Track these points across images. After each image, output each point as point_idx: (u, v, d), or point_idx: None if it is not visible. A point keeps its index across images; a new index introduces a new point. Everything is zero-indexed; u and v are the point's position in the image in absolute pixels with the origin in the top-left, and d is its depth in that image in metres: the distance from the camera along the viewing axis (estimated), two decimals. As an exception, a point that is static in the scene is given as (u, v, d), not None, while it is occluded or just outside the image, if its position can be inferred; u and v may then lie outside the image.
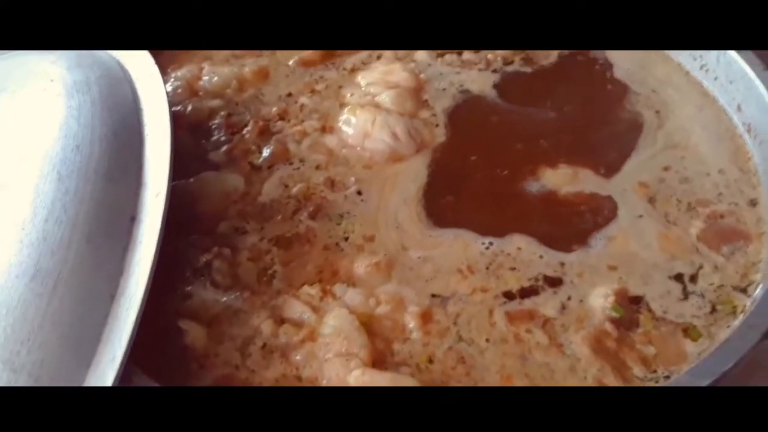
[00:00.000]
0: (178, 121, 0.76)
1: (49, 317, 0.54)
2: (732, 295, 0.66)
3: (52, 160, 0.62)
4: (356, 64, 0.90)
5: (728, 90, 0.82)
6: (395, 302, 0.66)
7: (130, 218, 0.62)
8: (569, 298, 0.66)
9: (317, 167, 0.78)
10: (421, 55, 0.90)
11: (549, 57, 0.91)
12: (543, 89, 0.87)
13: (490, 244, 0.70)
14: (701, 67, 0.86)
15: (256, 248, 0.70)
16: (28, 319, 0.54)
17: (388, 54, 0.91)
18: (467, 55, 0.90)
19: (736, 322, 0.63)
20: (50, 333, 0.54)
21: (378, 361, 0.61)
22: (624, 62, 0.89)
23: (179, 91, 0.86)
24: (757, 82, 0.77)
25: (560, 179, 0.75)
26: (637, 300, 0.66)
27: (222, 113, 0.83)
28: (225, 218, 0.73)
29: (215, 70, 0.88)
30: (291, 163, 0.78)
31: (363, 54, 0.91)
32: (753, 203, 0.73)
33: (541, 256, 0.69)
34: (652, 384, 0.60)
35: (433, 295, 0.67)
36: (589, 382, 0.60)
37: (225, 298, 0.66)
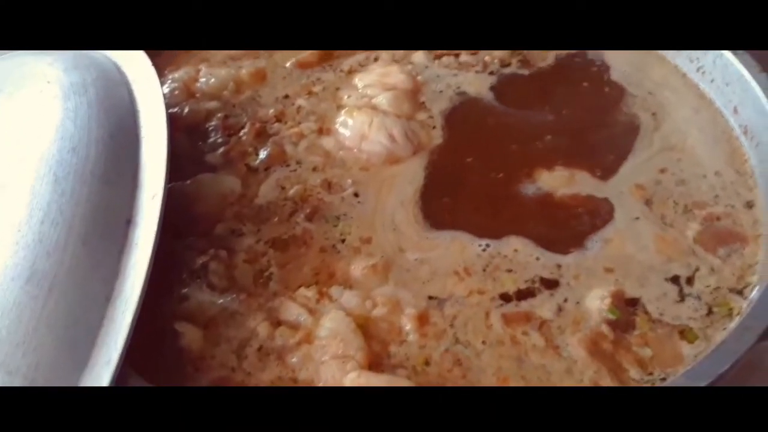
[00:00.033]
0: (174, 123, 0.76)
1: (44, 320, 0.54)
2: (728, 297, 0.66)
3: (49, 162, 0.62)
4: (353, 66, 0.90)
5: (725, 92, 0.83)
6: (392, 304, 0.66)
7: (126, 220, 0.62)
8: (566, 300, 0.66)
9: (314, 169, 0.78)
10: (418, 57, 0.90)
11: (546, 59, 0.91)
12: (540, 91, 0.87)
13: (487, 246, 0.70)
14: (698, 70, 0.86)
15: (252, 250, 0.70)
16: (24, 321, 0.54)
17: (385, 56, 0.91)
18: (464, 57, 0.90)
19: (733, 324, 0.63)
20: (45, 335, 0.54)
21: (374, 364, 0.61)
22: (621, 64, 0.89)
23: (176, 92, 0.85)
24: (754, 84, 0.77)
25: (557, 181, 0.75)
26: (633, 302, 0.66)
27: (219, 115, 0.83)
28: (221, 220, 0.73)
29: (212, 71, 0.88)
30: (288, 165, 0.78)
31: (360, 56, 0.91)
32: (749, 205, 0.73)
33: (537, 258, 0.69)
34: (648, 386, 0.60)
35: (430, 297, 0.67)
36: (586, 384, 0.60)
37: (221, 300, 0.66)
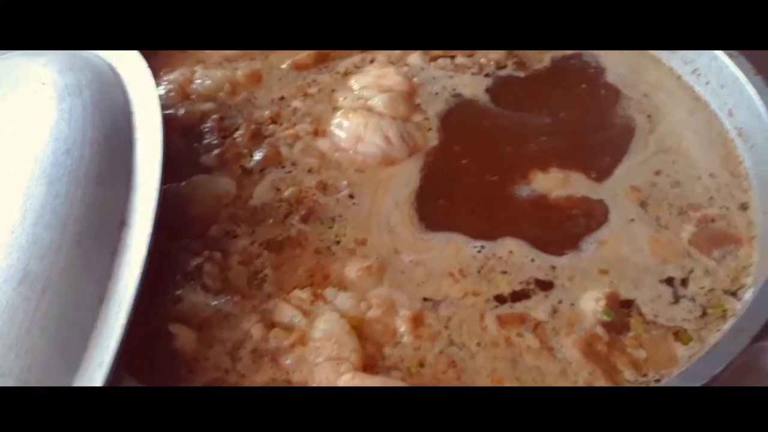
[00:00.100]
0: (170, 124, 0.75)
1: (37, 321, 0.54)
2: (722, 299, 0.66)
3: (43, 164, 0.62)
4: (349, 68, 0.90)
5: (720, 94, 0.83)
6: (386, 306, 0.66)
7: (120, 222, 0.61)
8: (560, 302, 0.66)
9: (309, 171, 0.78)
10: (414, 59, 0.91)
11: (542, 61, 0.91)
12: (535, 93, 0.87)
13: (482, 247, 0.70)
14: (693, 72, 0.86)
15: (247, 252, 0.70)
16: (16, 323, 0.54)
17: (381, 58, 0.91)
18: (460, 59, 0.90)
19: (727, 326, 0.63)
20: (38, 337, 0.54)
21: (369, 366, 0.61)
22: (616, 67, 0.89)
23: (171, 94, 0.85)
24: (749, 86, 0.78)
25: (552, 183, 0.76)
26: (628, 304, 0.66)
27: (214, 116, 0.83)
28: (216, 222, 0.72)
29: (208, 73, 0.88)
30: (283, 167, 0.78)
31: (356, 58, 0.91)
32: (744, 207, 0.73)
33: (532, 260, 0.69)
34: (642, 388, 0.60)
35: (425, 299, 0.67)
36: (580, 386, 0.60)
37: (215, 302, 0.66)
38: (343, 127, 0.80)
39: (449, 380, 0.61)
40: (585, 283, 0.67)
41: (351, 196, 0.75)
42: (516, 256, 0.69)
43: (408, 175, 0.77)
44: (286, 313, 0.65)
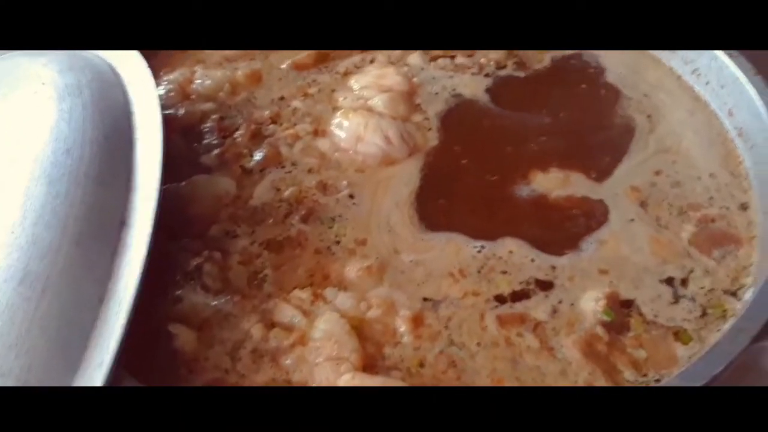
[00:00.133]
0: (169, 124, 0.75)
1: (37, 321, 0.54)
2: (722, 299, 0.66)
3: (43, 164, 0.62)
4: (349, 68, 0.90)
5: (720, 94, 0.83)
6: (386, 306, 0.66)
7: (120, 222, 0.61)
8: (560, 302, 0.66)
9: (309, 171, 0.78)
10: (413, 59, 0.90)
11: (542, 61, 0.91)
12: (535, 93, 0.87)
13: (482, 247, 0.70)
14: (693, 72, 0.86)
15: (247, 252, 0.70)
16: (16, 323, 0.54)
17: (381, 58, 0.91)
18: (460, 59, 0.90)
19: (727, 326, 0.63)
20: (38, 337, 0.54)
21: (369, 366, 0.61)
22: (616, 67, 0.89)
23: (171, 94, 0.85)
24: (749, 86, 0.78)
25: (552, 183, 0.76)
26: (628, 304, 0.66)
27: (214, 116, 0.83)
28: (216, 222, 0.72)
29: (208, 73, 0.88)
30: (283, 167, 0.78)
31: (356, 58, 0.91)
32: (744, 207, 0.73)
33: (532, 260, 0.69)
34: (642, 388, 0.60)
35: (425, 299, 0.67)
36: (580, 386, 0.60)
37: (215, 302, 0.66)
38: (343, 127, 0.80)
39: (449, 380, 0.61)
40: (585, 283, 0.67)
41: (351, 196, 0.75)
42: (516, 256, 0.69)
43: (408, 175, 0.77)
44: (286, 313, 0.65)
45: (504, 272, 0.68)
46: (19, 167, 0.62)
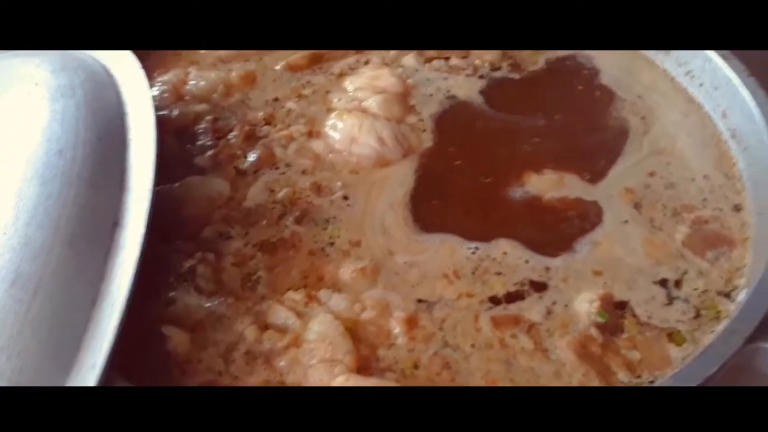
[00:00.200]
0: (163, 125, 0.75)
1: (28, 323, 0.54)
2: (716, 300, 0.66)
3: (35, 165, 0.62)
4: (343, 69, 0.90)
5: (713, 96, 0.83)
6: (381, 308, 0.65)
7: (112, 223, 0.61)
8: (554, 303, 0.66)
9: (303, 172, 0.78)
10: (408, 60, 0.90)
11: (536, 63, 0.91)
12: (529, 95, 0.87)
13: (476, 248, 0.70)
14: (687, 74, 0.86)
15: (240, 253, 0.70)
16: (8, 325, 0.53)
17: (375, 59, 0.91)
18: (454, 60, 0.90)
19: (720, 327, 0.63)
20: (30, 339, 0.54)
21: (363, 367, 0.61)
22: (610, 68, 0.89)
23: (165, 95, 0.85)
24: (742, 88, 0.78)
25: (546, 184, 0.76)
26: (622, 305, 0.66)
27: (208, 118, 0.83)
28: (209, 223, 0.72)
29: (202, 74, 0.88)
30: (277, 168, 0.78)
31: (350, 59, 0.91)
32: (737, 209, 0.74)
33: (527, 261, 0.69)
34: (636, 389, 0.60)
35: (419, 301, 0.66)
36: (574, 388, 0.60)
37: (209, 304, 0.65)
38: (338, 129, 0.80)
39: (443, 382, 0.61)
40: (579, 285, 0.67)
41: (345, 198, 0.75)
42: (510, 258, 0.69)
43: (402, 177, 0.77)
44: (280, 314, 0.65)
45: (498, 273, 0.68)
46: (11, 168, 0.62)
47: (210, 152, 0.79)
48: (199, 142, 0.81)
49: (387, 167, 0.78)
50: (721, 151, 0.79)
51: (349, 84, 0.86)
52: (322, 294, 0.66)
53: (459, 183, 0.77)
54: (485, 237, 0.71)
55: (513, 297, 0.66)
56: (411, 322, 0.64)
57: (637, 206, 0.74)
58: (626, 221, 0.72)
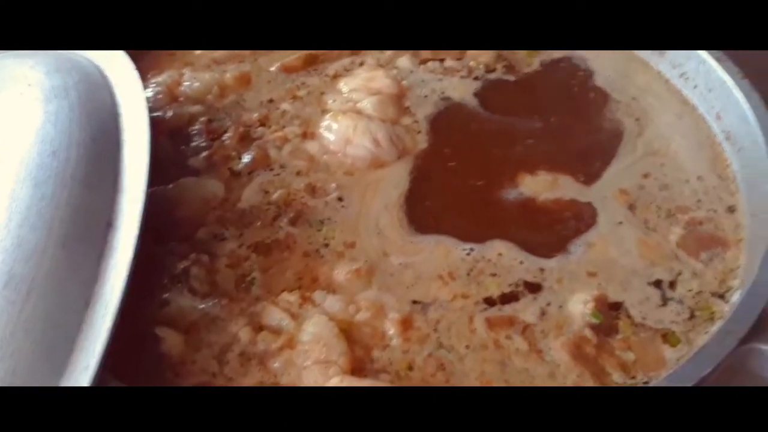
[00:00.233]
0: (157, 126, 0.75)
1: (21, 324, 0.54)
2: (710, 301, 0.66)
3: (28, 166, 0.61)
4: (338, 71, 0.90)
5: (707, 98, 0.83)
6: (375, 309, 0.65)
7: (106, 224, 0.61)
8: (549, 304, 0.66)
9: (298, 173, 0.78)
10: (403, 61, 0.90)
11: (531, 65, 0.91)
12: (524, 97, 0.87)
13: (471, 250, 0.70)
14: (681, 75, 0.87)
15: (234, 255, 0.70)
16: (0, 326, 0.53)
17: (370, 61, 0.91)
18: (449, 62, 0.90)
19: (714, 328, 0.63)
20: (23, 341, 0.53)
21: (357, 369, 0.61)
22: (605, 70, 0.90)
23: (159, 96, 0.85)
24: (736, 90, 0.78)
25: (540, 186, 0.76)
26: (616, 306, 0.66)
27: (202, 119, 0.83)
28: (204, 224, 0.72)
29: (196, 75, 0.88)
30: (271, 169, 0.78)
31: (345, 60, 0.91)
32: (731, 210, 0.74)
33: (521, 262, 0.69)
34: (631, 390, 0.60)
35: (414, 302, 0.66)
36: (569, 389, 0.60)
37: (203, 305, 0.65)
38: (332, 130, 0.80)
39: (438, 383, 0.61)
40: (573, 286, 0.67)
41: (340, 199, 0.75)
42: (505, 259, 0.69)
43: (397, 178, 0.77)
44: (275, 316, 0.65)
45: (493, 275, 0.68)
46: (4, 169, 0.62)
47: (204, 153, 0.79)
48: (194, 144, 0.80)
49: (382, 168, 0.78)
50: (715, 153, 0.80)
51: (344, 85, 0.86)
52: (317, 295, 0.66)
53: (454, 184, 0.77)
54: (480, 238, 0.71)
55: (507, 298, 0.67)
56: (406, 324, 0.64)
57: (631, 207, 0.74)
58: (620, 222, 0.73)
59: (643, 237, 0.71)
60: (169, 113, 0.83)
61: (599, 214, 0.73)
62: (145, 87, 0.82)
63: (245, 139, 0.81)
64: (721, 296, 0.67)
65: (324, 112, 0.83)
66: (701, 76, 0.84)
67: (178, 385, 0.60)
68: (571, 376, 0.61)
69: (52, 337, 0.55)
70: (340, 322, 0.64)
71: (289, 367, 0.61)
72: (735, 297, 0.65)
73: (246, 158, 0.79)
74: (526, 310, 0.65)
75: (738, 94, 0.78)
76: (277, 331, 0.64)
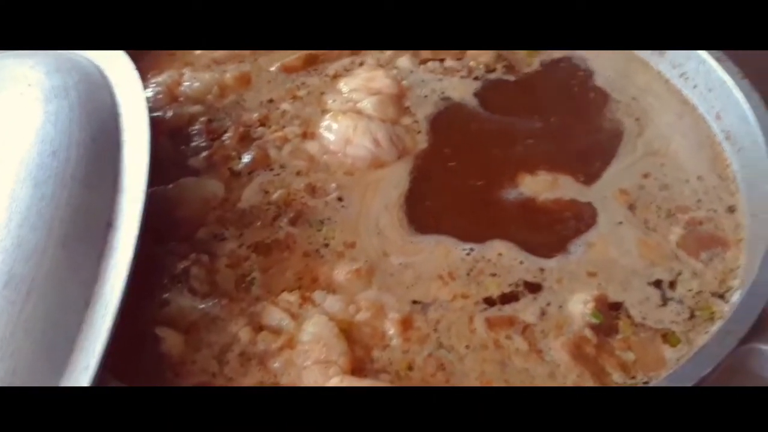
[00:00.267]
0: (157, 126, 0.75)
1: (21, 325, 0.54)
2: (710, 301, 0.66)
3: (28, 166, 0.61)
4: (338, 71, 0.90)
5: (707, 98, 0.83)
6: (375, 309, 0.65)
7: (106, 224, 0.61)
8: (549, 304, 0.66)
9: (298, 173, 0.78)
10: (403, 62, 0.90)
11: (531, 65, 0.91)
12: (524, 97, 0.87)
13: (471, 250, 0.70)
14: (681, 75, 0.87)
15: (234, 255, 0.70)
16: (0, 326, 0.53)
17: (370, 60, 0.91)
18: (449, 62, 0.90)
19: (714, 328, 0.63)
20: (23, 341, 0.53)
21: (357, 369, 0.61)
22: (605, 70, 0.90)
23: (159, 96, 0.85)
24: (736, 90, 0.78)
25: (540, 186, 0.76)
26: (616, 306, 0.66)
27: (202, 119, 0.83)
28: (204, 224, 0.72)
29: (196, 75, 0.88)
30: (271, 169, 0.78)
31: (345, 60, 0.91)
32: (731, 210, 0.74)
33: (521, 262, 0.69)
34: (631, 390, 0.60)
35: (414, 302, 0.66)
36: (569, 389, 0.60)
37: (203, 305, 0.65)
38: (332, 130, 0.80)
39: (438, 383, 0.61)
40: (573, 286, 0.67)
41: (340, 199, 0.75)
42: (505, 259, 0.69)
43: (397, 178, 0.77)
44: (275, 316, 0.65)
45: (493, 274, 0.68)
46: (4, 169, 0.62)
47: (204, 153, 0.79)
48: (194, 144, 0.80)
49: (382, 168, 0.78)
50: (715, 153, 0.80)
51: (344, 85, 0.86)
52: (317, 295, 0.66)
53: (454, 184, 0.77)
54: (480, 238, 0.71)
55: (507, 298, 0.67)
56: (406, 324, 0.64)
57: (631, 207, 0.74)
58: (620, 222, 0.73)
59: (643, 237, 0.71)
60: (169, 113, 0.83)
61: (599, 214, 0.73)
62: (145, 87, 0.82)
63: (245, 139, 0.81)
64: (721, 296, 0.67)
65: (324, 112, 0.83)
66: (701, 76, 0.84)
67: (178, 384, 0.60)
68: (571, 376, 0.61)
69: (52, 337, 0.55)
70: (340, 322, 0.64)
71: (289, 367, 0.61)
72: (735, 297, 0.65)
73: (246, 158, 0.79)
74: (526, 310, 0.65)
75: (738, 94, 0.78)
76: (277, 331, 0.64)
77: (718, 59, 0.81)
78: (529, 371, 0.62)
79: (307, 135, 0.81)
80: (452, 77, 0.89)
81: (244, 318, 0.65)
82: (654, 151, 0.80)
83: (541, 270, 0.68)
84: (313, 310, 0.65)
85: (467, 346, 0.63)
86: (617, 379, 0.61)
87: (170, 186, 0.74)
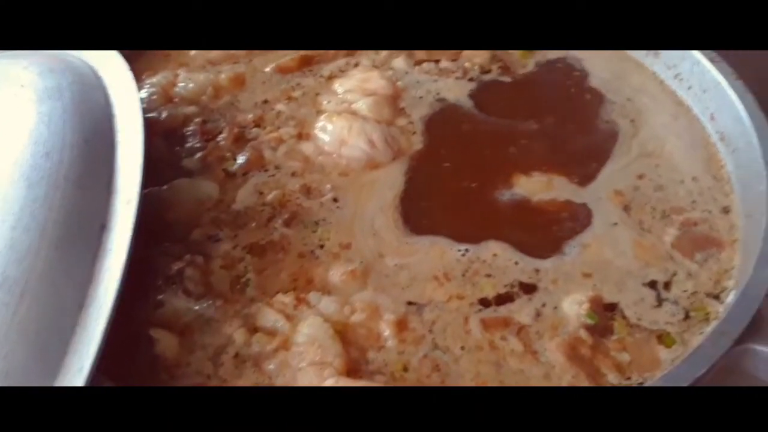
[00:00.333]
0: (152, 127, 0.75)
1: (15, 326, 0.53)
2: (705, 302, 0.66)
3: (21, 167, 0.61)
4: (333, 72, 0.90)
5: (702, 99, 0.83)
6: (371, 310, 0.65)
7: (100, 225, 0.61)
8: (544, 305, 0.66)
9: (293, 174, 0.78)
10: (398, 63, 0.90)
11: (526, 66, 0.91)
12: (519, 98, 0.87)
13: (466, 250, 0.70)
14: (675, 76, 0.87)
15: (229, 256, 0.69)
16: (-6, 328, 0.53)
17: (365, 61, 0.91)
18: (444, 63, 0.90)
19: (709, 329, 0.63)
20: (16, 343, 0.53)
21: (352, 370, 0.61)
22: (600, 71, 0.90)
23: (154, 97, 0.85)
24: (730, 91, 0.78)
25: (535, 187, 0.76)
26: (611, 307, 0.66)
27: (197, 120, 0.83)
28: (198, 226, 0.72)
29: (191, 76, 0.87)
30: (266, 170, 0.78)
31: (340, 61, 0.91)
32: (726, 211, 0.74)
33: (516, 263, 0.69)
34: (626, 391, 0.60)
35: (409, 303, 0.66)
36: (564, 390, 0.60)
37: (197, 307, 0.65)
38: (327, 131, 0.80)
39: (433, 384, 0.61)
40: (568, 287, 0.67)
41: (335, 200, 0.75)
42: (500, 260, 0.69)
43: (392, 179, 0.77)
44: (269, 317, 0.64)
45: (488, 275, 0.68)
46: (-3, 170, 0.62)
47: (199, 154, 0.79)
48: (188, 145, 0.80)
49: (377, 169, 0.78)
50: (709, 154, 0.80)
51: (339, 86, 0.86)
52: (312, 297, 0.66)
53: (449, 185, 0.77)
54: (475, 239, 0.71)
55: (503, 299, 0.66)
56: (401, 325, 0.64)
57: (626, 208, 0.74)
58: (615, 223, 0.73)
59: (637, 238, 0.71)
60: (164, 114, 0.83)
61: (594, 215, 0.73)
62: (140, 88, 0.82)
63: (240, 140, 0.81)
64: (716, 297, 0.67)
65: (319, 113, 0.83)
66: (696, 77, 0.84)
67: (173, 386, 0.60)
68: (566, 377, 0.61)
69: (46, 339, 0.54)
70: (335, 323, 0.64)
71: (284, 369, 0.61)
72: (730, 298, 0.66)
73: (241, 159, 0.78)
74: (521, 311, 0.65)
75: (732, 95, 0.78)
76: (272, 333, 0.63)
77: (712, 60, 0.81)
78: (524, 372, 0.62)
79: (302, 136, 0.81)
80: (447, 78, 0.89)
81: (239, 319, 0.64)
82: (649, 152, 0.80)
83: (536, 271, 0.68)
84: (308, 311, 0.65)
85: (462, 347, 0.63)
86: (612, 379, 0.61)
87: (165, 187, 0.74)
